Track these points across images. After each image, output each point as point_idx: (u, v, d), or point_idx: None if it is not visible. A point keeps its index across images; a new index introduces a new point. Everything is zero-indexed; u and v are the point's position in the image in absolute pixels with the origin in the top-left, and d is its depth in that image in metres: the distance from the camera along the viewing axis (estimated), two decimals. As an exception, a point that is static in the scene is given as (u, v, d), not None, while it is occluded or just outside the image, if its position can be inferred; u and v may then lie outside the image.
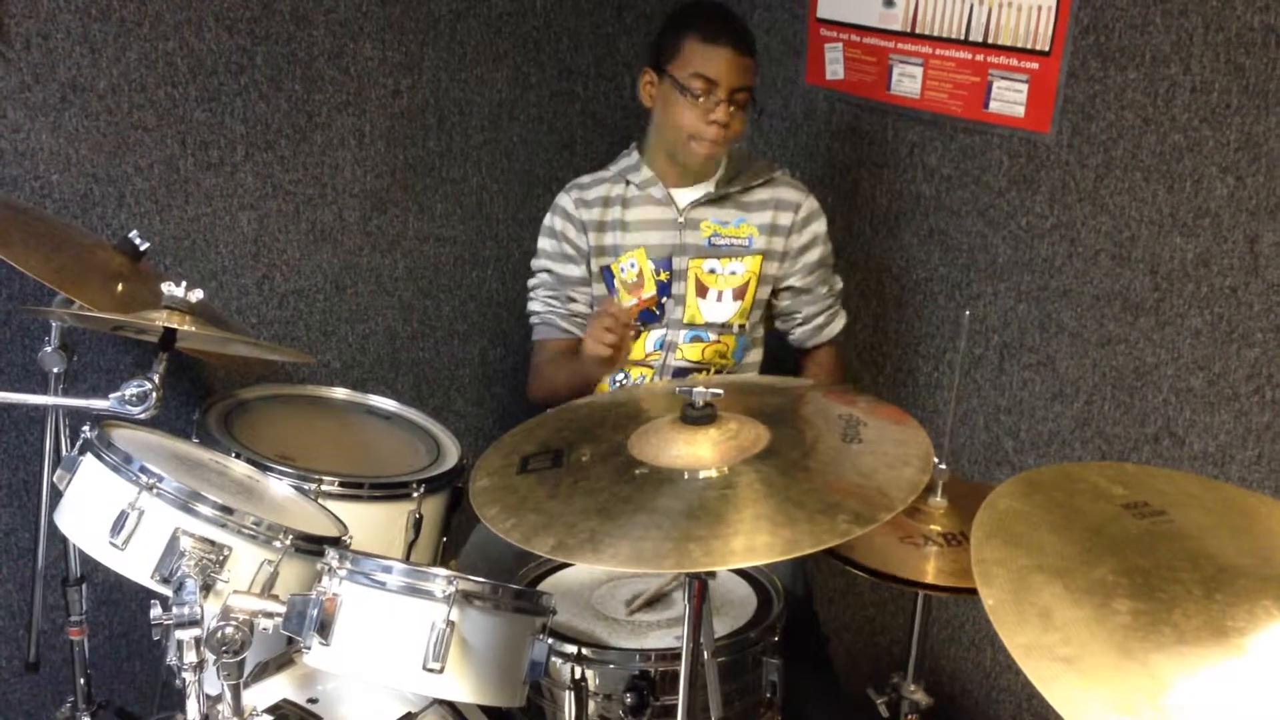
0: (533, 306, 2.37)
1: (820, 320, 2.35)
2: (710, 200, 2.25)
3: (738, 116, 2.15)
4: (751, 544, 1.26)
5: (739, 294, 2.26)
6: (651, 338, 2.29)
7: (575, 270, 2.31)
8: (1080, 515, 1.26)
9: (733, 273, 2.25)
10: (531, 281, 2.37)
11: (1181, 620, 1.08)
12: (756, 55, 2.17)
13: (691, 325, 2.28)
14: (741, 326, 2.29)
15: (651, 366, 2.30)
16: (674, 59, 2.15)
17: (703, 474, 1.40)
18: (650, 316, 2.29)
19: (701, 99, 2.12)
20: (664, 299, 2.27)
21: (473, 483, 1.50)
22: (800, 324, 2.35)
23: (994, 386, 2.37)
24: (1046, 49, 2.15)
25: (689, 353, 2.28)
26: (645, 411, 1.59)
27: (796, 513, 1.30)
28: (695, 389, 1.46)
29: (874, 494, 1.33)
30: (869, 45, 2.49)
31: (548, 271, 2.33)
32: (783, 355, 2.44)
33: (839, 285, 2.38)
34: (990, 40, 2.24)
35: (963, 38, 2.29)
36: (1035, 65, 2.18)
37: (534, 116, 2.72)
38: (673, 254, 2.26)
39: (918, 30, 2.37)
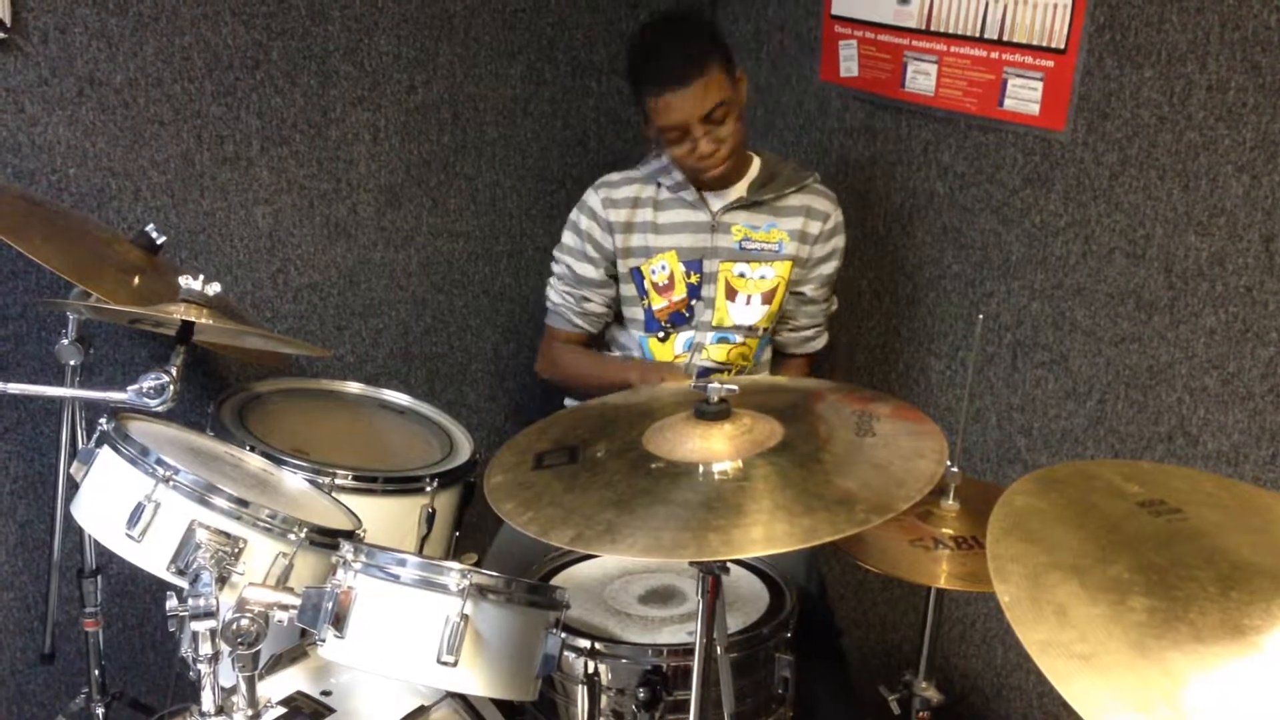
0: (550, 295, 2.37)
1: (809, 333, 2.38)
2: (742, 205, 2.25)
3: (725, 127, 2.11)
4: (771, 533, 1.27)
5: (768, 298, 2.26)
6: (680, 340, 2.30)
7: (592, 272, 2.30)
8: (1096, 513, 1.26)
9: (762, 277, 2.25)
10: (554, 268, 2.36)
11: (1198, 618, 1.08)
12: (708, 62, 2.08)
13: (719, 328, 2.28)
14: (766, 329, 2.30)
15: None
16: (645, 113, 2.14)
17: (718, 467, 1.40)
18: (679, 319, 2.29)
19: (680, 145, 2.12)
20: (694, 301, 2.27)
21: (487, 479, 1.51)
22: (790, 330, 2.37)
23: (1007, 385, 2.36)
24: (1062, 47, 2.15)
25: (714, 353, 2.28)
26: (658, 410, 1.60)
27: (814, 503, 1.31)
28: (710, 385, 1.47)
29: (890, 484, 1.34)
30: (883, 42, 2.48)
31: (567, 267, 2.33)
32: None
33: (835, 306, 2.40)
34: (1005, 38, 2.24)
35: (978, 35, 2.28)
36: (1050, 63, 2.17)
37: (548, 112, 2.73)
38: (704, 257, 2.25)
39: (932, 27, 2.37)
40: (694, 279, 2.26)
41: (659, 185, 2.27)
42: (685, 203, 2.25)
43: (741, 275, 2.25)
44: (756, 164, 2.28)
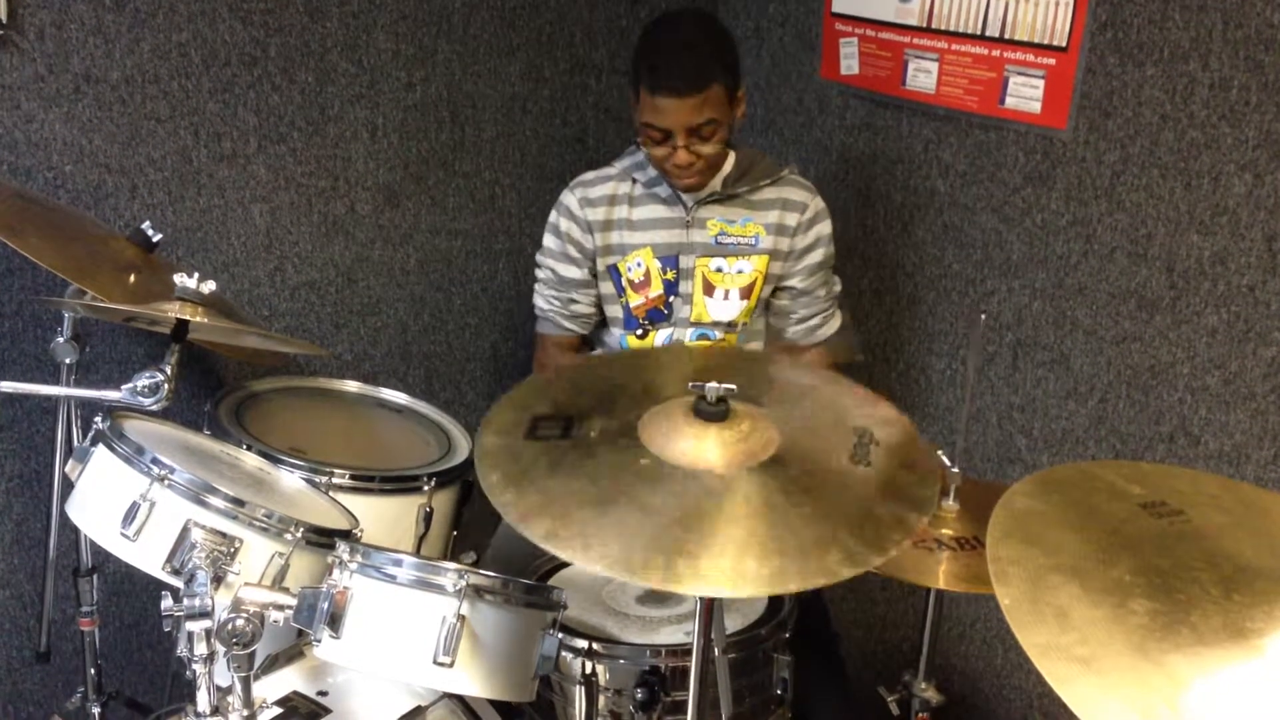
0: (537, 301, 2.36)
1: (815, 321, 2.33)
2: (717, 199, 2.24)
3: (709, 144, 2.10)
4: (739, 569, 1.23)
5: (745, 293, 2.25)
6: (659, 337, 2.29)
7: (576, 272, 2.29)
8: (1097, 514, 1.25)
9: (739, 271, 2.24)
10: (537, 274, 2.36)
11: (1200, 621, 1.07)
12: (711, 80, 2.05)
13: (698, 324, 2.27)
14: (745, 324, 2.28)
15: None
16: (635, 101, 2.12)
17: (704, 476, 1.36)
18: (658, 315, 2.28)
19: (659, 146, 2.11)
20: (671, 298, 2.26)
21: (480, 437, 1.46)
22: (795, 323, 2.33)
23: (1007, 384, 2.36)
24: (1064, 44, 2.14)
25: None
26: (660, 389, 1.53)
27: (789, 540, 1.27)
28: (708, 384, 1.43)
29: (872, 533, 1.30)
30: (884, 40, 2.47)
31: (551, 270, 2.32)
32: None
33: (837, 287, 2.36)
34: (1007, 35, 2.23)
35: (979, 33, 2.28)
36: (1052, 61, 2.16)
37: (546, 110, 2.72)
38: (679, 252, 2.24)
39: (934, 25, 2.36)
40: (670, 275, 2.25)
41: (634, 181, 2.26)
42: (659, 199, 2.25)
43: (719, 270, 2.24)
44: (731, 159, 2.25)
